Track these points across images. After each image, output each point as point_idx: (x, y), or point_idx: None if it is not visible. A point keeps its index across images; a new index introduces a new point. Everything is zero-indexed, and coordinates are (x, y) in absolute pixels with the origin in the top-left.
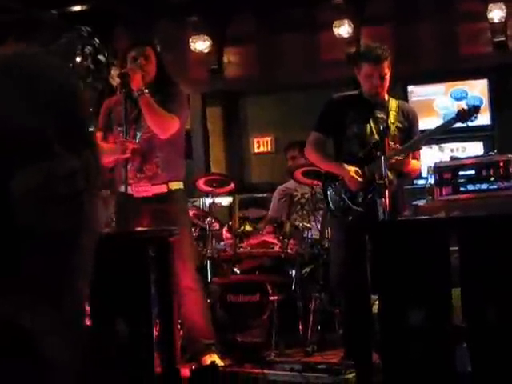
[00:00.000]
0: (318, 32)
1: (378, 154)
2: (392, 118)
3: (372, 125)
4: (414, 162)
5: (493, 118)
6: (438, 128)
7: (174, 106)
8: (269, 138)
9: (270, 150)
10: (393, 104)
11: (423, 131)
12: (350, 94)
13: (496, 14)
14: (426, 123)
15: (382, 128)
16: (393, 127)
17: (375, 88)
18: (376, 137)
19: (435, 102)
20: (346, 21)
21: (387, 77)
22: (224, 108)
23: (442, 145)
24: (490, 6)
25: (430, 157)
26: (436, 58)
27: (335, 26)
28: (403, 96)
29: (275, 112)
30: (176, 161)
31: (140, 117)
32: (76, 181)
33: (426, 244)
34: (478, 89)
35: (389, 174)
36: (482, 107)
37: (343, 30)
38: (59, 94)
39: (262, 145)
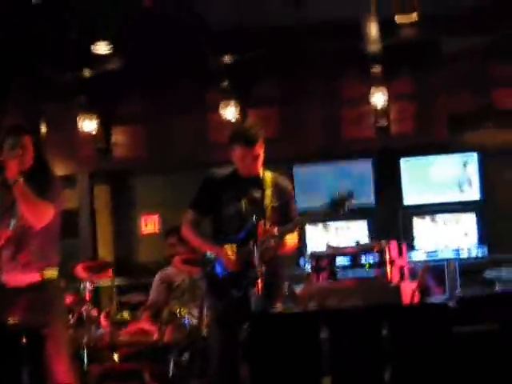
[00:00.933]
0: (206, 113)
1: (251, 242)
2: (267, 199)
3: (247, 205)
4: (288, 239)
5: (376, 198)
6: (310, 215)
7: (49, 194)
8: (156, 216)
9: (157, 229)
10: (268, 180)
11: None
12: (224, 173)
13: (378, 98)
14: (311, 202)
15: (258, 209)
16: (268, 208)
17: (249, 169)
18: (252, 218)
19: (320, 182)
20: (233, 102)
21: (261, 156)
22: (112, 187)
23: (328, 223)
24: (373, 89)
25: (314, 235)
26: (321, 140)
27: (222, 108)
28: (289, 176)
29: (163, 191)
30: (50, 248)
31: (15, 205)
32: None
33: (297, 335)
34: (362, 170)
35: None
36: (366, 187)
37: (230, 111)
38: None
39: (149, 223)
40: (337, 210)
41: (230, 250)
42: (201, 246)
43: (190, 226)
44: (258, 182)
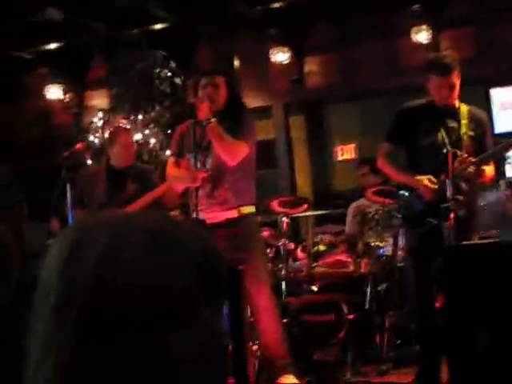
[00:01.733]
0: (397, 38)
1: (448, 172)
2: (464, 128)
3: (444, 135)
4: (486, 169)
5: None
6: (505, 147)
7: (242, 133)
8: (352, 146)
9: (353, 157)
10: (464, 111)
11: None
12: (420, 104)
13: None
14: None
15: (454, 139)
16: (465, 137)
17: (445, 99)
18: (449, 147)
19: None
20: (425, 26)
21: (457, 86)
22: (307, 117)
23: None
24: None
25: None
26: None
27: (414, 32)
28: (485, 99)
29: (358, 119)
30: (246, 185)
31: (210, 144)
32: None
33: (493, 268)
34: None
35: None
36: None
37: (422, 35)
38: (204, 256)
39: (345, 152)
40: None
41: (426, 180)
42: (398, 177)
43: (385, 157)
44: (455, 113)
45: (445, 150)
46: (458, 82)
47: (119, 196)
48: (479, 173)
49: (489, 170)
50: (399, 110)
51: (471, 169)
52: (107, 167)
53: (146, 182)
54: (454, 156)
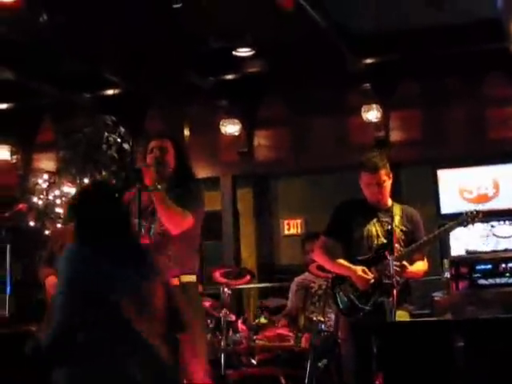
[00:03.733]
0: (347, 115)
1: (386, 254)
2: (396, 222)
3: (377, 228)
4: (418, 263)
5: None
6: (439, 233)
7: (189, 203)
8: (299, 221)
9: (299, 231)
10: (396, 209)
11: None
12: (355, 200)
13: None
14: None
15: (388, 229)
16: (398, 230)
17: (375, 195)
18: (382, 239)
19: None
20: (375, 105)
21: (385, 184)
22: (254, 190)
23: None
24: None
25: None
26: (465, 142)
27: (364, 111)
28: (432, 179)
29: (305, 195)
30: (189, 255)
31: (154, 211)
32: None
33: (430, 345)
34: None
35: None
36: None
37: (371, 114)
38: None
39: (292, 227)
40: (465, 226)
41: (361, 271)
42: (333, 268)
43: (322, 250)
44: (387, 209)
45: (379, 242)
46: (387, 180)
47: None
48: (403, 269)
49: (415, 267)
50: (336, 207)
51: (397, 264)
52: None
53: None
54: (386, 246)
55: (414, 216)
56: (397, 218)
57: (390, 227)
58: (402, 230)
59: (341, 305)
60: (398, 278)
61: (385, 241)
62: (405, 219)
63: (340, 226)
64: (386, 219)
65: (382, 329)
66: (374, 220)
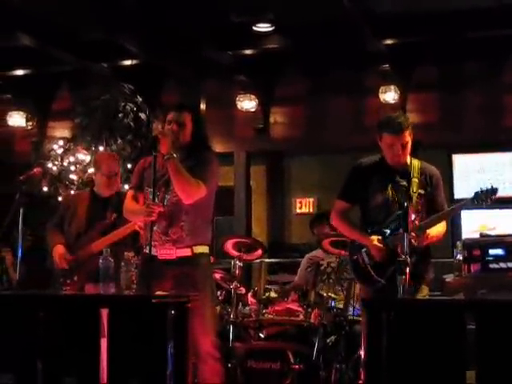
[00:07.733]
0: (364, 96)
1: (400, 230)
2: (414, 187)
3: (394, 193)
4: (438, 225)
5: None
6: (452, 210)
7: (203, 173)
8: (311, 200)
9: (311, 211)
10: (415, 168)
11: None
12: (372, 161)
13: None
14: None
15: (404, 195)
16: (414, 196)
17: (397, 157)
18: (398, 206)
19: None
20: (393, 87)
21: (408, 145)
22: (268, 167)
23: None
24: None
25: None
26: (481, 127)
27: (381, 92)
28: (447, 164)
29: (319, 174)
30: (202, 225)
31: (169, 180)
32: None
33: (442, 324)
34: None
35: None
36: None
37: (389, 95)
38: None
39: (304, 205)
40: (479, 204)
41: (377, 241)
42: (349, 235)
43: (338, 215)
44: (405, 171)
45: (396, 209)
46: (409, 141)
47: (99, 224)
48: (423, 238)
49: (437, 229)
50: (352, 168)
51: (413, 235)
52: (91, 194)
53: None
54: (403, 215)
55: (433, 176)
56: (414, 181)
57: (406, 198)
58: (419, 194)
59: (357, 272)
60: (409, 259)
61: (400, 212)
62: (423, 180)
63: (355, 190)
64: (404, 183)
65: (392, 305)
66: (391, 185)
